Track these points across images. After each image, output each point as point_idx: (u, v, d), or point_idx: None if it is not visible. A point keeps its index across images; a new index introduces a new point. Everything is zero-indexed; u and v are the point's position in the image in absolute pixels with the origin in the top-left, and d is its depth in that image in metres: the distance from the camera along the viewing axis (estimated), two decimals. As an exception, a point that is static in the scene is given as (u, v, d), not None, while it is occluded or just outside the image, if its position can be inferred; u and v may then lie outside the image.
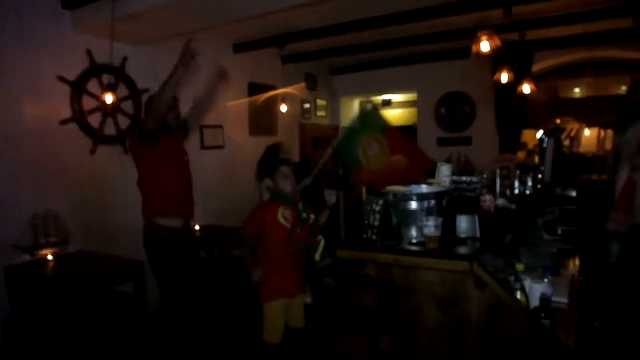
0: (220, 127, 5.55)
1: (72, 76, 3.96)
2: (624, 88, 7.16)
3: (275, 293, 2.75)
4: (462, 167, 6.93)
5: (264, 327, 2.76)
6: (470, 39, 4.02)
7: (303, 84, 6.90)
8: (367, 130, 2.93)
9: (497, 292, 1.78)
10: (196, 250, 3.78)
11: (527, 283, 1.96)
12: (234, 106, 5.78)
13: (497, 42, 3.69)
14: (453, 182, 2.24)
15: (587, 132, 7.58)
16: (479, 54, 3.72)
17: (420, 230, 1.99)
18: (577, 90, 7.53)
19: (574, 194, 4.54)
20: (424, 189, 2.17)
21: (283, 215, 2.71)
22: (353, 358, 3.44)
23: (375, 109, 2.98)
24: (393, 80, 7.37)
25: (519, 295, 1.89)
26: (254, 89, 6.04)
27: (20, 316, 3.49)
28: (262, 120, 6.16)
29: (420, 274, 1.94)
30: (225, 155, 5.58)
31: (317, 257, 3.21)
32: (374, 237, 2.04)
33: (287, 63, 6.44)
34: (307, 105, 7.20)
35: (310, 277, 4.21)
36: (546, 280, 1.95)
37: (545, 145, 4.10)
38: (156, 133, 3.06)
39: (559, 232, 3.20)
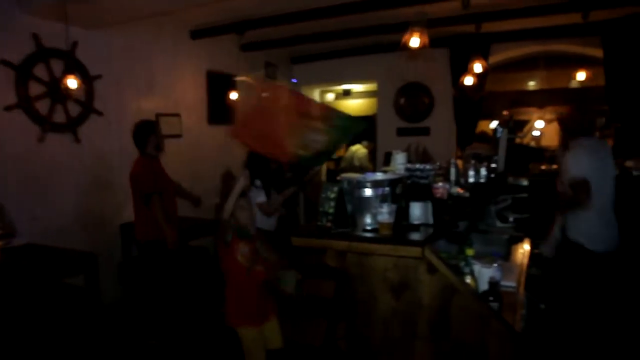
0: (177, 115, 5.42)
1: (16, 60, 3.77)
2: (574, 82, 7.45)
3: (248, 321, 2.66)
4: (420, 157, 7.05)
5: (245, 355, 2.69)
6: (430, 29, 4.07)
7: (262, 72, 6.82)
8: None
9: (448, 277, 1.81)
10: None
11: (477, 268, 2.01)
12: (192, 94, 5.66)
13: (425, 39, 3.78)
14: (407, 169, 2.26)
15: (539, 125, 7.84)
16: (406, 47, 3.81)
17: (374, 217, 2.00)
18: (531, 82, 7.76)
19: (525, 182, 4.70)
20: (378, 176, 2.18)
21: (242, 253, 2.62)
22: (312, 346, 3.46)
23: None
24: (353, 70, 7.38)
25: (468, 279, 1.94)
26: (213, 77, 5.93)
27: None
28: (220, 108, 6.05)
29: (373, 260, 1.96)
30: (182, 144, 5.46)
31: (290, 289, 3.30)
32: (329, 224, 2.04)
33: (246, 51, 6.34)
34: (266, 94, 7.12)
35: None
36: (495, 265, 2.00)
37: (498, 135, 4.21)
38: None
39: (511, 219, 3.30)
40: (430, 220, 2.08)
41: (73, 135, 4.24)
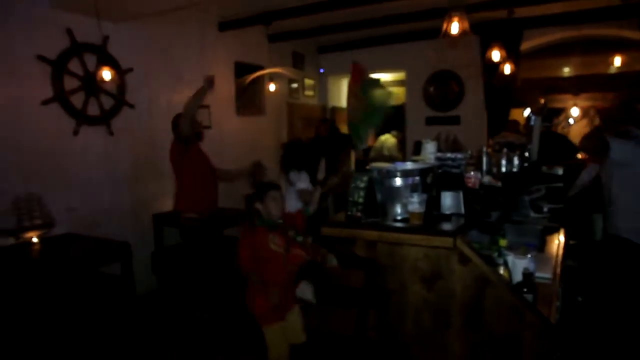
0: (206, 107, 5.47)
1: (51, 55, 3.86)
2: (612, 67, 7.18)
3: (269, 317, 2.64)
4: (450, 146, 6.95)
5: (268, 349, 2.68)
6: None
7: (290, 68, 6.80)
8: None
9: (480, 268, 1.78)
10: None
11: (510, 259, 1.97)
12: (220, 85, 5.70)
13: (466, 25, 3.67)
14: (437, 158, 2.22)
15: (574, 112, 7.61)
16: (447, 35, 3.71)
17: (404, 206, 1.98)
18: (566, 69, 7.53)
19: (560, 172, 4.57)
20: (409, 165, 2.15)
21: (273, 242, 2.60)
22: (342, 335, 3.47)
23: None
24: (381, 59, 7.29)
25: (502, 270, 1.90)
26: (240, 68, 5.95)
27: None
28: (249, 100, 6.09)
29: (404, 250, 1.94)
30: (212, 136, 5.50)
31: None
32: (359, 214, 2.02)
33: (273, 41, 6.34)
34: (295, 85, 7.12)
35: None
36: (529, 256, 1.95)
37: (532, 122, 4.10)
38: (190, 139, 3.98)
39: (545, 209, 3.22)
40: (462, 210, 2.05)
41: (106, 127, 4.33)
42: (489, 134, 6.51)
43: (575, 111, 7.80)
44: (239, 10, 5.30)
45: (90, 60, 4.12)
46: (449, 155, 2.16)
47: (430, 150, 2.38)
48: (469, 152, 2.58)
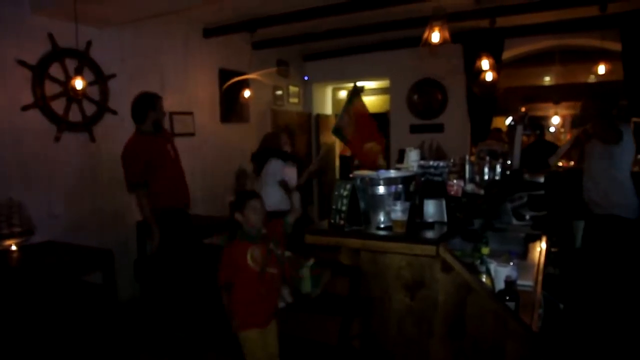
0: (190, 113, 5.44)
1: (32, 60, 3.81)
2: (592, 77, 7.32)
3: (246, 323, 2.56)
4: (434, 154, 7.01)
5: (244, 356, 2.61)
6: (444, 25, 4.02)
7: (274, 69, 6.82)
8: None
9: (463, 276, 1.79)
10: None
11: (493, 266, 1.99)
12: (204, 92, 5.68)
13: (446, 35, 3.74)
14: (420, 166, 2.24)
15: (555, 121, 7.74)
16: (428, 43, 3.76)
17: (387, 214, 1.99)
18: (547, 78, 7.65)
19: (541, 179, 4.64)
20: (392, 173, 2.16)
21: (252, 257, 2.49)
22: (325, 345, 3.45)
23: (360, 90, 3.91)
24: (365, 67, 7.35)
25: (484, 278, 1.91)
26: (225, 75, 5.94)
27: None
28: (233, 106, 6.07)
29: (387, 258, 1.95)
30: (196, 142, 5.48)
31: (307, 289, 3.49)
32: (342, 222, 2.02)
33: (258, 49, 6.34)
34: (279, 92, 7.12)
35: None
36: (511, 264, 1.97)
37: (515, 130, 4.16)
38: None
39: (527, 217, 3.26)
40: (445, 218, 2.06)
41: (88, 134, 4.27)
42: (472, 142, 6.59)
43: (555, 120, 7.93)
44: (224, 17, 5.29)
45: (72, 65, 4.06)
46: (431, 163, 2.18)
47: (413, 159, 2.40)
48: (452, 160, 2.60)
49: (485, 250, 2.06)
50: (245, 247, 2.48)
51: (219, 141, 5.84)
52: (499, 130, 6.75)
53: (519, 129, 4.23)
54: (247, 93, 5.99)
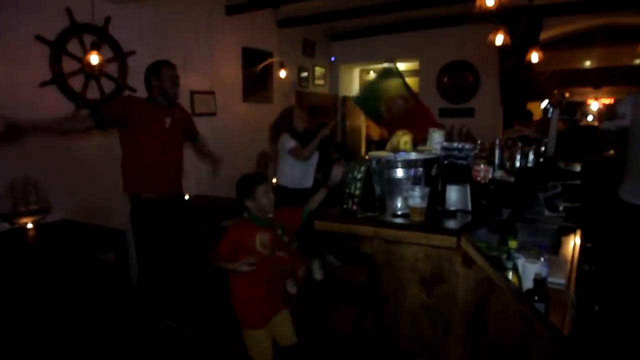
0: (211, 92, 5.33)
1: (50, 36, 3.74)
2: (638, 60, 6.86)
3: (255, 322, 2.40)
4: (464, 139, 6.73)
5: (249, 353, 2.44)
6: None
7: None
8: (390, 87, 3.64)
9: (487, 271, 1.61)
10: (187, 220, 3.56)
11: (521, 262, 1.79)
12: (227, 71, 5.55)
13: None
14: (444, 148, 2.03)
15: (594, 107, 7.32)
16: (482, 9, 3.44)
17: (405, 201, 1.81)
18: (587, 61, 7.22)
19: (577, 168, 4.34)
20: (411, 155, 1.97)
21: (260, 242, 2.34)
22: (340, 334, 3.32)
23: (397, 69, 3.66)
24: (394, 48, 7.04)
25: (510, 275, 1.72)
26: (248, 54, 5.79)
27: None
28: (256, 86, 5.93)
29: (403, 249, 1.78)
30: (217, 123, 5.37)
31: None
32: (354, 208, 1.86)
33: (283, 27, 6.16)
34: (305, 74, 6.94)
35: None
36: (542, 259, 1.77)
37: (549, 115, 3.89)
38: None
39: (561, 208, 3.02)
40: (469, 207, 1.87)
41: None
42: (504, 128, 6.28)
43: (595, 106, 7.50)
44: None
45: (90, 42, 3.98)
46: (455, 145, 1.97)
47: (437, 140, 2.20)
48: (479, 142, 2.39)
49: (513, 244, 1.86)
50: (253, 230, 2.34)
51: (240, 122, 5.72)
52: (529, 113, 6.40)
53: (555, 113, 3.96)
54: (282, 73, 5.86)
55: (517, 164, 3.07)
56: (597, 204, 3.86)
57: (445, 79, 6.71)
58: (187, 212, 3.57)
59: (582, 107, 7.26)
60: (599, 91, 7.13)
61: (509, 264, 1.75)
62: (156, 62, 3.34)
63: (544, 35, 5.89)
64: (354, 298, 3.49)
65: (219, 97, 5.43)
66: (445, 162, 1.98)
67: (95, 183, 4.16)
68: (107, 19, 4.09)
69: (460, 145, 1.96)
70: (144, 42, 4.48)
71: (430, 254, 1.72)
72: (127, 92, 4.34)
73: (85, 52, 3.94)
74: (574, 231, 2.66)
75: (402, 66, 8.70)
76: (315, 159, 4.31)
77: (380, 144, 8.94)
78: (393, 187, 1.84)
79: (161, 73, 3.25)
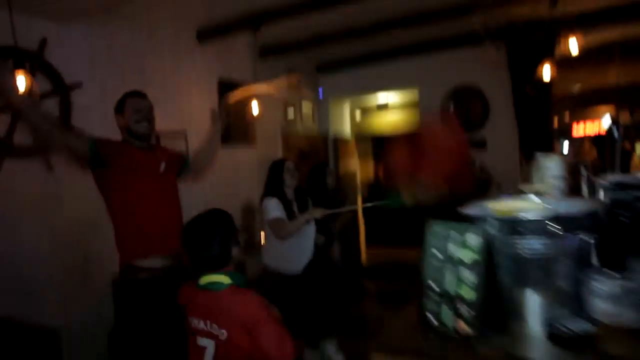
0: (181, 133, 4.40)
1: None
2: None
3: None
4: (476, 176, 5.91)
5: None
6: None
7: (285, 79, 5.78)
8: None
9: None
10: None
11: None
12: (199, 107, 4.65)
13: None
14: (612, 186, 1.10)
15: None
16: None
17: (572, 303, 0.88)
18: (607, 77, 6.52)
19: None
20: (560, 206, 1.04)
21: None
22: None
23: None
24: (389, 77, 6.28)
25: None
26: (225, 87, 4.92)
27: None
28: (236, 126, 5.03)
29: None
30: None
31: None
32: (463, 328, 0.90)
33: (265, 56, 5.33)
34: (291, 111, 6.07)
35: None
36: None
37: (616, 135, 3.07)
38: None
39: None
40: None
41: (44, 160, 3.22)
42: (524, 156, 5.48)
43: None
44: (222, 16, 4.30)
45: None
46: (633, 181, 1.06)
47: (554, 172, 1.27)
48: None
49: None
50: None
51: (219, 168, 4.75)
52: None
53: (618, 132, 3.15)
54: (255, 108, 4.87)
55: None
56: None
57: (450, 108, 5.93)
58: None
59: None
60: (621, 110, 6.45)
61: None
62: (122, 96, 2.49)
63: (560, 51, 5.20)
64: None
65: (192, 138, 4.49)
66: (625, 217, 1.05)
67: (25, 257, 3.13)
68: (43, 41, 3.17)
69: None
70: (94, 72, 3.57)
71: None
72: (72, 136, 3.37)
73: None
74: None
75: (398, 99, 8.00)
76: (311, 229, 3.28)
77: (375, 188, 8.09)
78: (533, 274, 0.91)
79: (124, 107, 2.42)
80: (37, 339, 2.48)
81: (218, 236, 1.69)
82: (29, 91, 2.72)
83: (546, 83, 4.78)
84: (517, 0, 4.24)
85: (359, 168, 7.38)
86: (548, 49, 5.02)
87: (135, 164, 2.36)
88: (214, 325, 1.58)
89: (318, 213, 3.02)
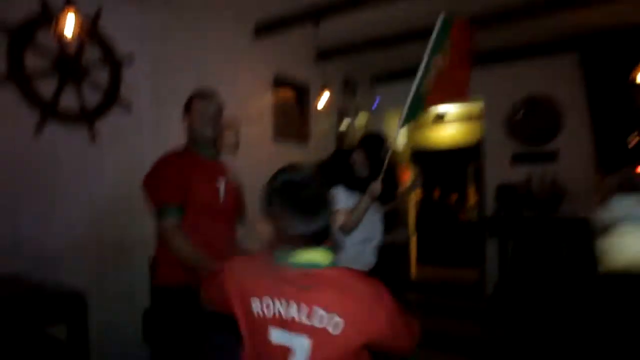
0: (234, 126, 4.22)
1: (12, 20, 2.75)
2: None
3: None
4: (547, 191, 5.38)
5: None
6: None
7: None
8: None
9: None
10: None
11: None
12: (253, 102, 4.50)
13: None
14: None
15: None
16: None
17: None
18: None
19: None
20: None
21: None
22: None
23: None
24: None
25: None
26: (281, 83, 4.78)
27: None
28: (290, 122, 4.85)
29: None
30: (238, 162, 4.21)
31: None
32: None
33: (320, 60, 5.17)
34: (345, 122, 5.84)
35: None
36: None
37: None
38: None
39: None
40: None
41: (88, 130, 3.11)
42: (602, 171, 4.92)
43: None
44: (280, 6, 4.18)
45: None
46: None
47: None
48: None
49: None
50: None
51: (268, 163, 4.52)
52: None
53: None
54: (323, 98, 4.66)
55: None
56: None
57: (518, 118, 5.50)
58: None
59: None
60: None
61: None
62: (190, 96, 2.37)
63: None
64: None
65: (244, 133, 4.31)
66: None
67: (63, 227, 2.97)
68: (98, 11, 3.12)
69: None
70: (147, 48, 3.49)
71: None
72: (116, 108, 3.27)
73: (62, 47, 2.93)
74: None
75: (455, 110, 7.65)
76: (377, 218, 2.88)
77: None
78: None
79: (191, 108, 2.29)
80: (64, 302, 2.26)
81: (327, 202, 1.33)
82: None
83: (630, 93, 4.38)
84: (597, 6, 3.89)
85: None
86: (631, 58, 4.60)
87: (195, 178, 2.21)
88: (321, 314, 1.21)
89: (377, 187, 2.60)
